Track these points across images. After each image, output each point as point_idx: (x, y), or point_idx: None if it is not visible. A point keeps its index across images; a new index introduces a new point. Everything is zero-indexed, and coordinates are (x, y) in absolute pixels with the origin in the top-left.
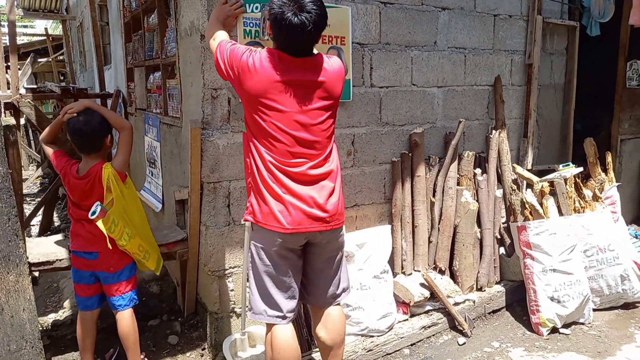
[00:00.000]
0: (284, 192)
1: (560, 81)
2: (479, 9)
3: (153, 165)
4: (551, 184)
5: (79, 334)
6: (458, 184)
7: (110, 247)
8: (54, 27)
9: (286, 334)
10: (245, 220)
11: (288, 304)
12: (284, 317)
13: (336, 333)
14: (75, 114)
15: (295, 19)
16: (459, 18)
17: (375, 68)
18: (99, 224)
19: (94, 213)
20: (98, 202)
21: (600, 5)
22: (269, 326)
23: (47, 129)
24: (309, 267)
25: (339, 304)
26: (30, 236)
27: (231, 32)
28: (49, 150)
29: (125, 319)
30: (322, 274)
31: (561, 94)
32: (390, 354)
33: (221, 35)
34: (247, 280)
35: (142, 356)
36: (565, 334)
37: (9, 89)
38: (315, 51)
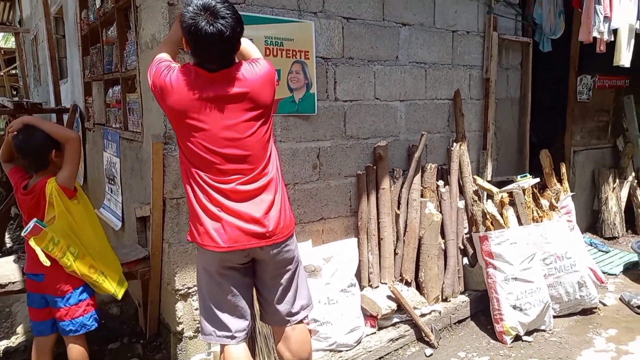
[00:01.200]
0: (219, 210)
1: (516, 95)
2: (438, 25)
3: (112, 182)
4: (510, 194)
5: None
6: (422, 195)
7: (48, 268)
8: (6, 39)
9: (237, 353)
10: (187, 240)
11: (236, 324)
12: (232, 337)
13: (301, 352)
14: (15, 133)
15: (211, 27)
16: (419, 33)
17: (339, 82)
18: (31, 242)
19: (27, 230)
20: (35, 219)
21: (552, 22)
22: (221, 346)
23: (2, 148)
24: (259, 284)
25: (301, 322)
26: None
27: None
28: (7, 168)
29: (75, 347)
30: (273, 291)
31: (517, 107)
32: None
33: (160, 51)
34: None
35: None
36: (528, 342)
37: None
38: (236, 60)
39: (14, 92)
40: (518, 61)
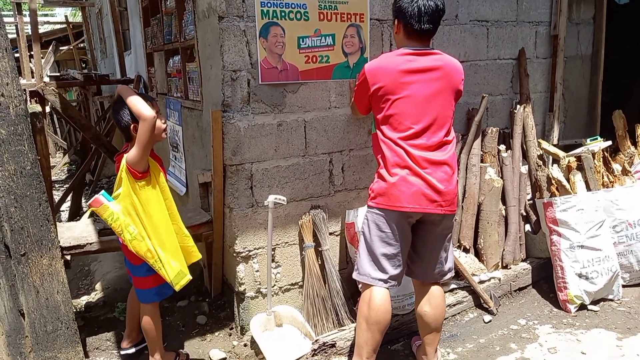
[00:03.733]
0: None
1: (587, 52)
2: None
3: (176, 149)
4: (578, 158)
5: (128, 302)
6: (482, 161)
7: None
8: (73, 14)
9: (384, 296)
10: (369, 205)
11: (394, 271)
12: (385, 282)
13: (439, 310)
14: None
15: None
16: None
17: (395, 45)
18: (96, 211)
19: (91, 199)
20: (102, 192)
21: None
22: (367, 286)
23: None
24: (420, 242)
25: (440, 284)
26: (60, 221)
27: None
28: None
29: (144, 314)
30: (433, 251)
31: (588, 65)
32: (415, 331)
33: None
34: (363, 242)
35: (174, 357)
36: (594, 311)
37: (33, 77)
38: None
39: (83, 65)
40: (590, 15)
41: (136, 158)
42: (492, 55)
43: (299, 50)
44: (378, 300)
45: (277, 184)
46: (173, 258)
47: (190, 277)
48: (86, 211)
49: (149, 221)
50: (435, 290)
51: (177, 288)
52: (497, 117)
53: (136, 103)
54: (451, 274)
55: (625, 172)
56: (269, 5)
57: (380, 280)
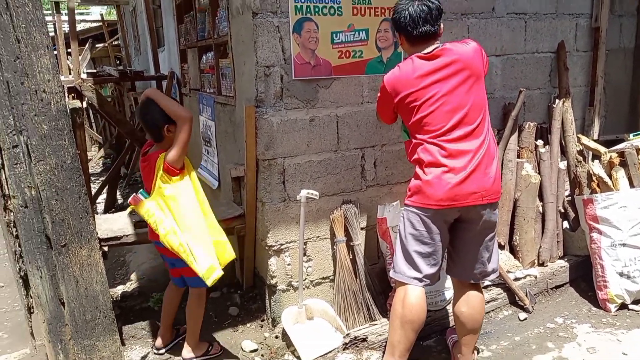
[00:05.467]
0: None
1: (630, 45)
2: None
3: (208, 144)
4: (621, 154)
5: (164, 300)
6: (518, 156)
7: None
8: (108, 13)
9: (419, 295)
10: (407, 204)
11: (428, 270)
12: (420, 280)
13: (477, 311)
14: (139, 105)
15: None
16: None
17: None
18: (135, 208)
19: (131, 197)
20: (141, 190)
21: None
22: (401, 284)
23: None
24: (460, 241)
25: (480, 288)
26: (97, 213)
27: (280, 12)
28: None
29: (191, 298)
30: (474, 249)
31: (631, 59)
32: (447, 328)
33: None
34: (399, 240)
35: (207, 347)
36: (635, 311)
37: (70, 74)
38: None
39: (117, 62)
40: (634, 7)
41: (177, 157)
42: (529, 48)
43: (332, 45)
44: (413, 298)
45: (309, 178)
46: (205, 252)
47: (222, 273)
48: (121, 203)
49: (182, 216)
50: (475, 291)
51: (209, 283)
52: (535, 111)
53: (172, 105)
54: (495, 275)
55: None
56: (302, 0)
57: (414, 278)
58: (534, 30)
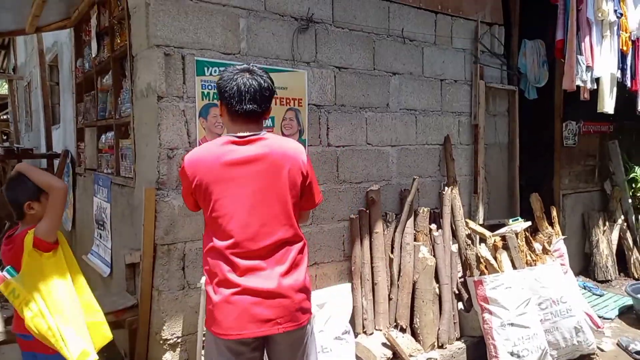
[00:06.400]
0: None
1: (504, 140)
2: (427, 74)
3: (102, 227)
4: (503, 238)
5: None
6: (415, 239)
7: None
8: None
9: None
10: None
11: None
12: None
13: None
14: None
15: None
16: (409, 82)
17: (332, 128)
18: None
19: None
20: (7, 267)
21: (536, 71)
22: None
23: None
24: (272, 357)
25: None
26: None
27: (186, 97)
28: None
29: None
30: None
31: (506, 152)
32: None
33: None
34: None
35: None
36: None
37: None
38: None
39: (4, 137)
40: (505, 108)
41: (49, 229)
42: (420, 140)
43: None
44: None
45: None
46: (78, 335)
47: (97, 358)
48: None
49: (53, 296)
50: None
51: None
52: (428, 197)
53: (44, 176)
54: None
55: (545, 251)
56: (209, 87)
57: None
58: (424, 124)
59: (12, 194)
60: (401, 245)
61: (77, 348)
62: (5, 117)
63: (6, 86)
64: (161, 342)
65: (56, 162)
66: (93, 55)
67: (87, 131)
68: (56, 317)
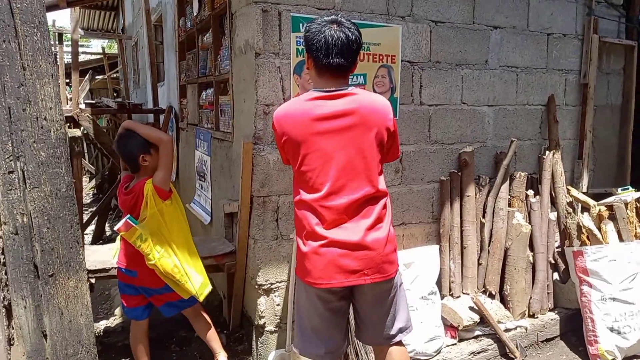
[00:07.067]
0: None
1: (617, 102)
2: (532, 27)
3: (203, 179)
4: (610, 207)
5: (131, 342)
6: (509, 205)
7: (143, 265)
8: (109, 46)
9: None
10: None
11: (328, 345)
12: (322, 357)
13: None
14: (117, 138)
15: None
16: (511, 37)
17: (425, 86)
18: (124, 235)
19: (119, 224)
20: (129, 215)
21: None
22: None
23: None
24: (357, 307)
25: (399, 344)
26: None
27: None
28: (124, 173)
29: (193, 318)
30: (372, 316)
31: (618, 115)
32: None
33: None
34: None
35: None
36: None
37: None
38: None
39: (115, 94)
40: (621, 66)
41: (164, 178)
42: (521, 100)
43: None
44: None
45: None
46: (196, 271)
47: (212, 287)
48: (109, 235)
49: (173, 237)
50: (394, 351)
51: (201, 298)
52: (525, 162)
53: (152, 131)
54: (406, 333)
55: None
56: (304, 44)
57: (317, 355)
58: (525, 83)
59: (126, 149)
60: (494, 210)
61: (197, 281)
62: (115, 75)
63: (116, 46)
64: (256, 287)
65: (161, 117)
66: (194, 14)
67: (189, 88)
68: (180, 256)
